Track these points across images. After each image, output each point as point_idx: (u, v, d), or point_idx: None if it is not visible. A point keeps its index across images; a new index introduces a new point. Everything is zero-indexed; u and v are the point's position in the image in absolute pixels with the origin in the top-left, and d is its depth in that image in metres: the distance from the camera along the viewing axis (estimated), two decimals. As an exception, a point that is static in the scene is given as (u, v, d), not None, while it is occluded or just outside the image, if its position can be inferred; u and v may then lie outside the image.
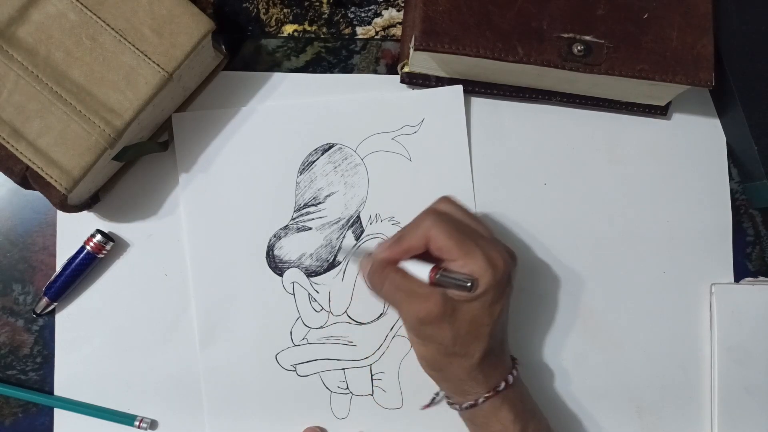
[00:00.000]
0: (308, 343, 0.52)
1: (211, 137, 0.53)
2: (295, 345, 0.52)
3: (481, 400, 0.45)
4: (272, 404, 0.52)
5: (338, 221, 0.53)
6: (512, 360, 0.48)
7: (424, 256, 0.45)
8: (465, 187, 0.54)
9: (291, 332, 0.52)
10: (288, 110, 0.53)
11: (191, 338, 0.52)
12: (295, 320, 0.52)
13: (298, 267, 0.52)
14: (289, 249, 0.52)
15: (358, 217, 0.53)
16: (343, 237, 0.53)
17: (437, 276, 0.43)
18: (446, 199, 0.47)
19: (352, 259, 0.53)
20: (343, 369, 0.52)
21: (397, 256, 0.45)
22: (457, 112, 0.54)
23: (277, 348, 0.52)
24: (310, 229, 0.53)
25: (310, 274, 0.53)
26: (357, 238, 0.53)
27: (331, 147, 0.53)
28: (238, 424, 0.51)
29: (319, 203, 0.53)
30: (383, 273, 0.45)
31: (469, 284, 0.42)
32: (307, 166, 0.53)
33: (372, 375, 0.52)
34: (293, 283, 0.52)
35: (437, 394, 0.51)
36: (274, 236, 0.52)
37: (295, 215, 0.53)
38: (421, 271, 0.44)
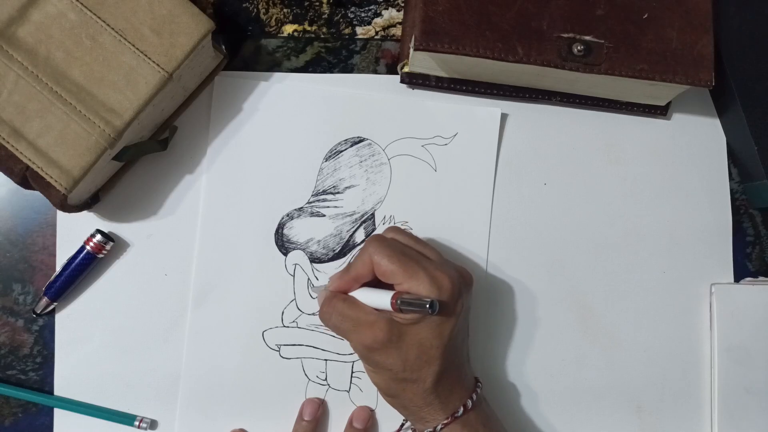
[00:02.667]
0: (297, 327, 0.52)
1: (250, 104, 0.53)
2: (284, 326, 0.52)
3: (439, 427, 0.44)
4: (249, 380, 0.52)
5: (352, 214, 0.53)
6: (475, 381, 0.48)
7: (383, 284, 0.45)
8: (483, 208, 0.54)
9: (283, 312, 0.52)
10: (329, 96, 0.54)
11: (191, 338, 0.51)
12: (289, 302, 0.52)
13: (303, 250, 0.53)
14: (299, 231, 0.53)
15: (373, 214, 0.53)
16: (354, 231, 0.53)
17: (398, 302, 0.42)
18: (392, 228, 0.48)
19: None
20: (326, 360, 0.52)
21: (347, 285, 0.46)
22: (491, 135, 0.54)
23: (266, 325, 0.52)
24: (324, 216, 0.53)
25: (314, 260, 0.53)
26: (367, 235, 0.53)
27: (361, 141, 0.54)
28: (211, 392, 0.51)
29: (338, 193, 0.53)
30: (331, 304, 0.46)
31: (427, 305, 0.41)
32: (334, 154, 0.53)
33: (353, 372, 0.52)
34: (295, 265, 0.53)
35: (406, 420, 0.50)
36: (287, 215, 0.53)
37: (311, 199, 0.53)
38: (381, 298, 0.44)
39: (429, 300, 0.41)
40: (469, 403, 0.45)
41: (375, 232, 0.53)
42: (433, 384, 0.44)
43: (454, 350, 0.45)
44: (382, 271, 0.44)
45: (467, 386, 0.46)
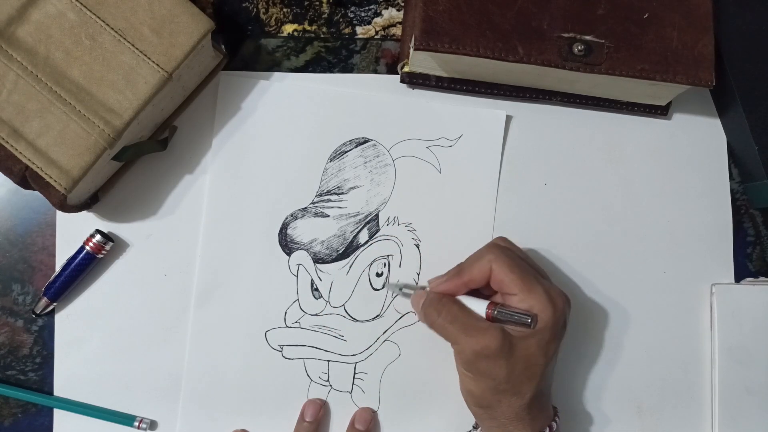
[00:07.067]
0: (300, 328, 0.52)
1: (254, 103, 0.53)
2: (287, 326, 0.52)
3: None
4: (251, 380, 0.52)
5: (356, 215, 0.53)
6: (554, 408, 0.48)
7: (474, 293, 0.46)
8: (487, 211, 0.54)
9: (285, 313, 0.52)
10: (334, 96, 0.54)
11: (193, 338, 0.51)
12: (292, 302, 0.52)
13: (307, 251, 0.53)
14: (302, 231, 0.53)
15: (377, 215, 0.53)
16: (358, 232, 0.53)
17: (494, 312, 0.43)
18: (504, 239, 0.48)
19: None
20: (328, 361, 0.52)
21: (456, 288, 0.46)
22: (496, 137, 0.54)
23: (269, 325, 0.52)
24: (327, 216, 0.53)
25: (318, 260, 0.53)
26: (371, 236, 0.53)
27: (366, 141, 0.53)
28: (213, 392, 0.51)
29: (342, 193, 0.53)
30: (439, 304, 0.45)
31: (529, 320, 0.42)
32: (338, 154, 0.53)
33: (355, 373, 0.52)
34: (299, 265, 0.52)
35: (474, 428, 0.50)
36: (291, 215, 0.53)
37: (316, 199, 0.53)
38: (477, 306, 0.44)
39: (530, 314, 0.42)
40: (554, 426, 0.46)
41: (378, 233, 0.53)
42: (530, 400, 0.44)
43: (551, 370, 0.46)
44: (498, 279, 0.44)
45: (550, 409, 0.47)
